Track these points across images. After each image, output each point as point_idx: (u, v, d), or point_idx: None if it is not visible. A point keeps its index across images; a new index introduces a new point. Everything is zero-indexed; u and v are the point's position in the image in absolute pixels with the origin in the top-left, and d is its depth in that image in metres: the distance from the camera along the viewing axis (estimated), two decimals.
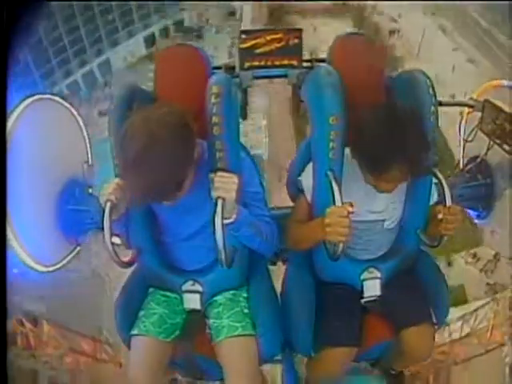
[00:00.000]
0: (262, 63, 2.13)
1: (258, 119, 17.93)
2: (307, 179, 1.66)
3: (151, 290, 1.74)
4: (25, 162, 1.62)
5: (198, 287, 1.65)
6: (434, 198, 1.70)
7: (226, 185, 1.37)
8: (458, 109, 2.20)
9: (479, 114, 2.03)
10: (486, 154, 2.04)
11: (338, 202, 1.43)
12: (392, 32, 22.64)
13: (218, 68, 2.02)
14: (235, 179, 1.38)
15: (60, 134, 1.90)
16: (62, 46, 20.77)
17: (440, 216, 1.48)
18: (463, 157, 2.22)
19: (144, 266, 1.68)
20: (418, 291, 1.74)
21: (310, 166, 1.67)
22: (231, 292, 1.69)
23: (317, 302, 1.70)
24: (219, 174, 1.40)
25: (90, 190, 1.95)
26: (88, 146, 2.04)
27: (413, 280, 1.77)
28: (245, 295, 1.70)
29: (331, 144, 1.56)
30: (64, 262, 1.85)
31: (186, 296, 1.66)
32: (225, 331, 1.60)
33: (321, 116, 1.57)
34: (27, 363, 4.44)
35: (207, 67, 1.73)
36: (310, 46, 13.62)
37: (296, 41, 2.15)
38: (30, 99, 1.68)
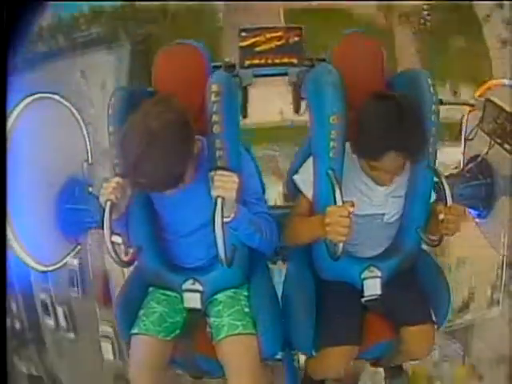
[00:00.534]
0: (263, 61, 2.12)
1: None
2: (304, 176, 1.66)
3: (151, 289, 1.73)
4: (25, 161, 1.62)
5: (199, 286, 1.65)
6: (433, 197, 1.70)
7: (226, 184, 1.37)
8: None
9: (480, 113, 2.03)
10: (486, 153, 2.04)
11: (339, 202, 1.43)
12: None
13: (218, 66, 2.01)
14: (235, 178, 1.38)
15: (60, 132, 1.90)
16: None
17: (441, 216, 1.48)
18: (464, 156, 2.22)
19: (144, 265, 1.68)
20: (418, 290, 1.74)
21: (307, 164, 1.67)
22: (232, 290, 1.69)
23: (317, 300, 1.70)
24: (219, 172, 1.40)
25: (90, 189, 1.95)
26: (88, 144, 2.04)
27: (413, 279, 1.76)
28: (245, 294, 1.70)
29: (332, 143, 1.56)
30: (64, 261, 1.85)
31: (186, 295, 1.66)
32: (225, 330, 1.60)
33: (321, 115, 1.57)
34: None
35: (207, 65, 1.73)
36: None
37: (296, 39, 2.14)
38: (30, 98, 1.68)
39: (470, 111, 2.16)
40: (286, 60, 2.11)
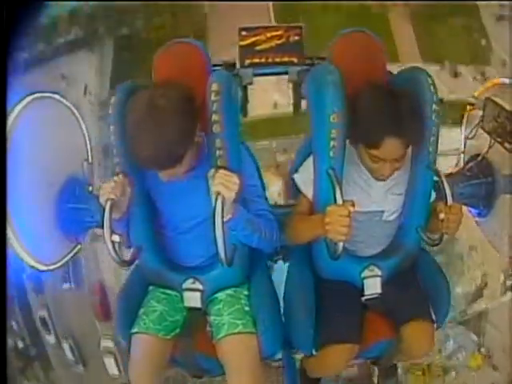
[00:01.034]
0: (263, 60, 2.11)
1: None
2: (304, 175, 1.67)
3: (151, 288, 1.74)
4: (25, 161, 1.62)
5: (199, 285, 1.65)
6: (433, 196, 1.69)
7: (226, 182, 1.37)
8: None
9: (480, 112, 2.03)
10: (487, 152, 2.04)
11: (339, 201, 1.42)
12: None
13: (218, 65, 2.00)
14: (236, 180, 1.38)
15: (60, 132, 1.90)
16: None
17: (442, 216, 1.48)
18: (464, 155, 2.22)
19: (144, 264, 1.68)
20: (418, 289, 1.74)
21: (307, 163, 1.67)
22: (232, 289, 1.69)
23: (317, 299, 1.70)
24: (221, 171, 1.39)
25: (90, 188, 1.95)
26: (88, 144, 2.04)
27: (413, 278, 1.76)
28: (245, 293, 1.70)
29: (332, 142, 1.56)
30: (64, 260, 1.86)
31: (187, 294, 1.67)
32: (225, 328, 1.60)
33: (322, 114, 1.56)
34: None
35: (207, 64, 1.72)
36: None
37: (296, 38, 2.13)
38: (30, 97, 1.68)
39: (470, 110, 2.16)
40: (286, 59, 2.10)
